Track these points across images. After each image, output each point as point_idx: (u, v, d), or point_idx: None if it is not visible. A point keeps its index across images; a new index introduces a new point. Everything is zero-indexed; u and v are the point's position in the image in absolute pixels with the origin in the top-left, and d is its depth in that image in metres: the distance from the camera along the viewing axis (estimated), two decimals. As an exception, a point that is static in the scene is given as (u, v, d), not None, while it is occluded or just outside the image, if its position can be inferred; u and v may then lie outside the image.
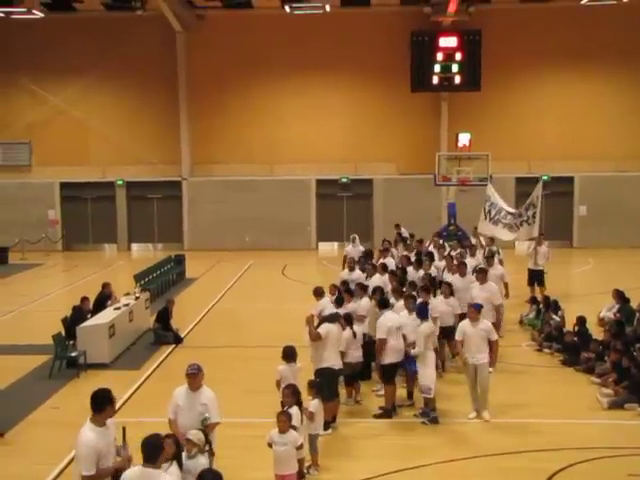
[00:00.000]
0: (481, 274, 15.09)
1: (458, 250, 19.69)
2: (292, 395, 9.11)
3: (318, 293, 13.51)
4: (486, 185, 23.12)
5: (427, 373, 11.56)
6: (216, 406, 8.41)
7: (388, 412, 11.77)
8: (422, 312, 11.93)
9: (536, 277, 20.11)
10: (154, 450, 6.42)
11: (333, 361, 11.25)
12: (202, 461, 7.39)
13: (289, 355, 10.42)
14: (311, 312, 12.39)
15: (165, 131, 34.34)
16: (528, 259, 20.72)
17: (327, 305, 12.86)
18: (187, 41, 33.89)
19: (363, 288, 13.71)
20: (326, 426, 10.88)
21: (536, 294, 19.32)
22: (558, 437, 10.96)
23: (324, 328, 11.33)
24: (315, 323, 11.76)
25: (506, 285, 17.14)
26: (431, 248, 20.29)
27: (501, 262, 18.54)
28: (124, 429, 7.61)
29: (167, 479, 6.43)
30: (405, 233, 24.15)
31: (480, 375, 11.66)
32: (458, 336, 11.97)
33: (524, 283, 20.14)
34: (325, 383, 10.72)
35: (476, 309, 11.91)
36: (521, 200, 24.37)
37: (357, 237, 21.73)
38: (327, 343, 11.20)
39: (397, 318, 12.07)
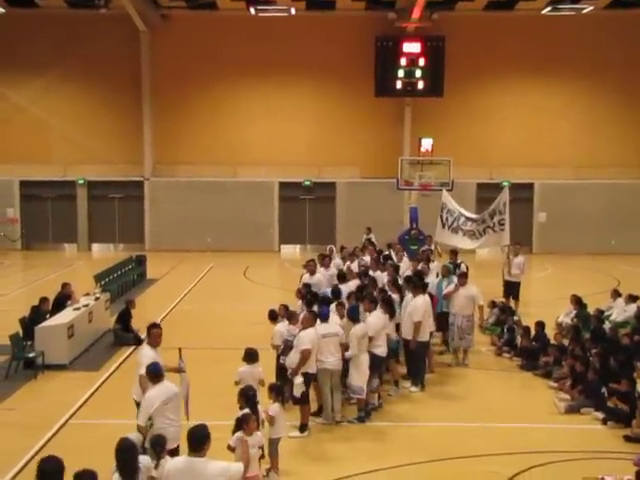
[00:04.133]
0: (462, 278, 15.24)
1: (419, 266, 17.74)
2: (240, 397, 9.08)
3: (273, 317, 12.58)
4: (449, 190, 23.02)
5: (359, 374, 11.65)
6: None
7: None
8: (353, 314, 11.99)
9: (511, 289, 19.29)
10: (200, 440, 6.51)
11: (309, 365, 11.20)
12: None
13: (251, 357, 10.39)
14: (274, 343, 12.12)
15: (128, 131, 34.08)
16: (503, 269, 19.64)
17: (283, 329, 12.21)
18: (151, 41, 33.68)
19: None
20: (303, 429, 11.13)
21: (511, 304, 18.86)
22: (515, 441, 11.08)
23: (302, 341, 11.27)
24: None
25: (480, 308, 15.84)
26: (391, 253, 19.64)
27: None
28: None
29: (214, 467, 6.46)
30: (373, 238, 24.04)
31: None
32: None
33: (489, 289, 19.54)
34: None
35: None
36: (482, 206, 24.55)
37: (334, 248, 20.41)
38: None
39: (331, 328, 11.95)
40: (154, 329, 9.95)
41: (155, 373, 8.66)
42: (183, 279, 26.36)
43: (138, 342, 16.75)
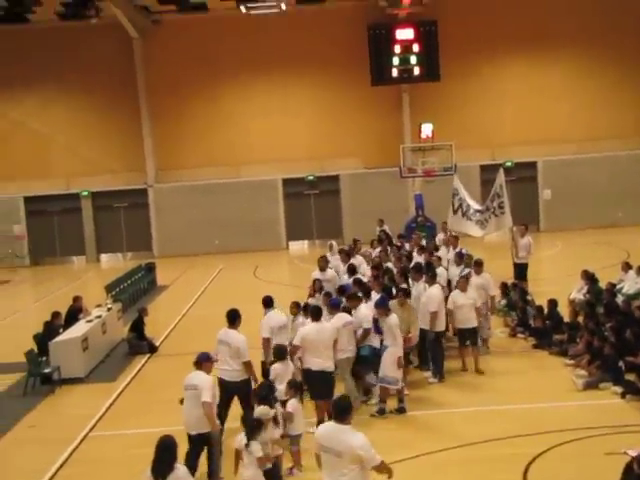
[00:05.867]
0: (477, 266, 15.08)
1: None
2: (254, 396, 9.31)
3: (266, 304, 12.37)
4: (451, 175, 22.95)
5: (394, 365, 11.56)
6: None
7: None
8: (384, 305, 11.88)
9: (519, 271, 19.07)
10: (344, 409, 7.00)
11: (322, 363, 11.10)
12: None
13: (281, 353, 10.59)
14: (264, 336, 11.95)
15: (127, 139, 34.14)
16: (511, 251, 19.35)
17: (273, 317, 12.14)
18: (144, 47, 33.70)
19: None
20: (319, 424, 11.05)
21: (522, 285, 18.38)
22: (536, 421, 11.05)
23: (298, 336, 11.30)
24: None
25: (492, 298, 15.22)
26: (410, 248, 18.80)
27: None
28: None
29: (359, 438, 6.85)
30: (387, 229, 23.86)
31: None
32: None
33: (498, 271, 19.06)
34: (317, 383, 10.94)
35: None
36: (487, 188, 24.42)
37: (334, 244, 19.60)
38: (306, 347, 11.18)
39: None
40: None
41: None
42: (194, 283, 26.39)
43: (152, 350, 16.82)
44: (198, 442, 9.13)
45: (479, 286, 14.60)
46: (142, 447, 10.79)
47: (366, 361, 12.05)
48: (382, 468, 7.03)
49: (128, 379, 14.97)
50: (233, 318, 11.15)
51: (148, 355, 16.58)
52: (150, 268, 26.59)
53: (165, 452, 6.95)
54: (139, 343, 16.90)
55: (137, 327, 17.09)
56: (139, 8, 32.25)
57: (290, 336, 11.99)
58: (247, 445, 8.22)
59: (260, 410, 8.80)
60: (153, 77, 33.82)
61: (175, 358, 15.87)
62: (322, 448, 7.02)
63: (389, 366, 11.53)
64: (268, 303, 12.27)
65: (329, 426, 7.16)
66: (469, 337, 13.77)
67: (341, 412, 7.01)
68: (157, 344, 17.33)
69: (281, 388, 10.08)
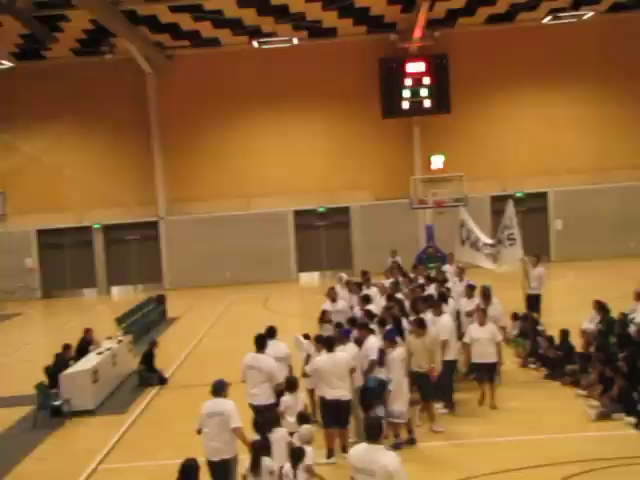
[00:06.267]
0: (485, 298, 15.00)
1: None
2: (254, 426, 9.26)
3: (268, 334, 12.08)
4: (463, 206, 22.84)
5: (401, 399, 11.56)
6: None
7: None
8: (392, 337, 11.90)
9: (532, 302, 18.83)
10: (375, 430, 7.29)
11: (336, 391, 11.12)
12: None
13: (292, 385, 10.68)
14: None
15: (139, 172, 34.42)
16: (523, 282, 19.26)
17: (273, 347, 11.89)
18: (157, 82, 34.09)
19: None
20: (329, 454, 11.08)
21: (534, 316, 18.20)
22: (548, 452, 10.93)
23: (311, 365, 11.39)
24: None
25: (502, 329, 15.20)
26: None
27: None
28: None
29: (389, 456, 7.14)
30: (400, 261, 23.76)
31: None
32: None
33: (509, 301, 18.91)
34: (330, 411, 11.06)
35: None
36: (497, 219, 24.33)
37: (344, 276, 18.88)
38: (321, 375, 11.22)
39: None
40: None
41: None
42: (204, 315, 26.40)
43: (162, 382, 16.80)
44: (220, 469, 9.18)
45: (490, 318, 14.50)
46: (151, 479, 10.77)
47: (372, 392, 12.00)
48: None
49: (138, 411, 14.93)
50: (261, 343, 11.42)
51: (158, 387, 16.55)
52: (161, 300, 26.62)
53: (188, 475, 7.48)
54: (149, 375, 16.88)
55: (147, 359, 17.09)
56: (153, 44, 32.69)
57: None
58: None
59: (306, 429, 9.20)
60: (166, 111, 34.16)
61: (185, 389, 15.87)
62: (356, 470, 7.19)
63: (393, 400, 11.51)
64: (270, 334, 12.18)
65: (362, 447, 7.31)
66: (487, 372, 13.42)
67: (373, 432, 7.26)
68: (167, 376, 17.30)
69: (291, 420, 10.05)
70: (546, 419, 12.62)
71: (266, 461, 8.31)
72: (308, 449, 8.79)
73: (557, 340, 15.84)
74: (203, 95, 33.94)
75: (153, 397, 15.93)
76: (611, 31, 32.96)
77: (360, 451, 7.27)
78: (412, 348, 12.22)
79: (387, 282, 18.37)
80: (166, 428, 13.47)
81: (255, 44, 31.16)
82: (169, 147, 34.29)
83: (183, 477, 7.49)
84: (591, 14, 31.04)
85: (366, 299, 15.40)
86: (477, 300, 15.49)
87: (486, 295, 15.23)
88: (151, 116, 34.19)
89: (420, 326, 12.38)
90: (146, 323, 23.74)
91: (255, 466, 8.23)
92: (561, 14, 31.14)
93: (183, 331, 23.99)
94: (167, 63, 33.89)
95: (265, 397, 10.92)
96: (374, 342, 12.08)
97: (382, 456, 7.10)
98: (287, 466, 8.59)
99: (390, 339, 11.82)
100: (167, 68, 33.93)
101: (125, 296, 33.90)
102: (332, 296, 16.01)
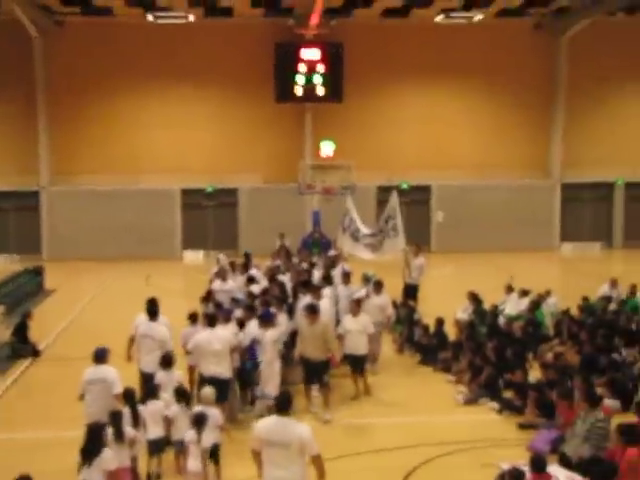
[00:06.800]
0: (377, 287, 15.11)
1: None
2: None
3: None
4: (350, 194, 23.18)
5: (273, 381, 11.78)
6: None
7: None
8: (267, 318, 12.06)
9: (410, 291, 19.19)
10: (285, 403, 7.52)
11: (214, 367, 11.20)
12: None
13: (168, 361, 10.56)
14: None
15: (22, 140, 33.08)
16: (403, 271, 19.38)
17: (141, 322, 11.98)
18: (45, 47, 32.74)
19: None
20: None
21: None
22: (417, 434, 11.37)
23: (192, 342, 11.43)
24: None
25: (388, 319, 15.50)
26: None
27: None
28: None
29: (301, 426, 7.35)
30: (288, 244, 23.92)
31: None
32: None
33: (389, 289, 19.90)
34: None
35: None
36: (382, 208, 24.81)
37: (222, 257, 19.25)
38: (201, 351, 11.26)
39: None
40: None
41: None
42: (84, 289, 25.83)
43: (35, 354, 16.37)
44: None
45: (378, 307, 14.80)
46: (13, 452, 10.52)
47: (248, 374, 12.11)
48: (319, 460, 7.30)
49: (8, 382, 14.51)
50: (154, 311, 11.55)
51: (30, 359, 16.12)
52: (38, 271, 25.79)
53: (90, 435, 7.79)
54: (22, 346, 16.41)
55: (20, 330, 16.62)
56: (40, 7, 31.32)
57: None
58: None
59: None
60: (53, 78, 32.89)
61: (59, 363, 15.55)
62: (268, 443, 7.25)
63: (265, 382, 11.71)
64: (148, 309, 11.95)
65: (271, 420, 7.44)
66: (358, 364, 13.39)
67: (283, 405, 7.46)
68: (41, 348, 16.87)
69: (165, 396, 10.01)
70: (417, 402, 13.10)
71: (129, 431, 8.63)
72: (213, 410, 9.16)
73: (432, 328, 16.40)
74: (94, 66, 32.83)
75: (25, 370, 15.50)
76: (498, 35, 34.09)
77: (270, 424, 7.36)
78: (302, 333, 12.36)
79: (273, 264, 18.61)
80: (36, 400, 13.17)
81: (150, 18, 30.50)
82: (56, 116, 33.05)
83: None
84: (481, 17, 32.06)
85: (250, 280, 15.52)
86: (360, 288, 15.88)
87: (377, 284, 15.34)
88: (37, 82, 32.90)
89: (311, 312, 12.19)
90: (21, 294, 22.91)
91: (119, 435, 8.47)
92: (452, 14, 32.01)
93: (60, 304, 23.33)
94: (56, 29, 32.59)
95: (156, 365, 10.82)
96: (254, 327, 12.19)
97: (295, 427, 7.28)
98: (190, 433, 8.82)
99: (265, 321, 11.95)
100: (56, 33, 32.59)
101: (0, 265, 32.63)
102: (222, 275, 16.08)
